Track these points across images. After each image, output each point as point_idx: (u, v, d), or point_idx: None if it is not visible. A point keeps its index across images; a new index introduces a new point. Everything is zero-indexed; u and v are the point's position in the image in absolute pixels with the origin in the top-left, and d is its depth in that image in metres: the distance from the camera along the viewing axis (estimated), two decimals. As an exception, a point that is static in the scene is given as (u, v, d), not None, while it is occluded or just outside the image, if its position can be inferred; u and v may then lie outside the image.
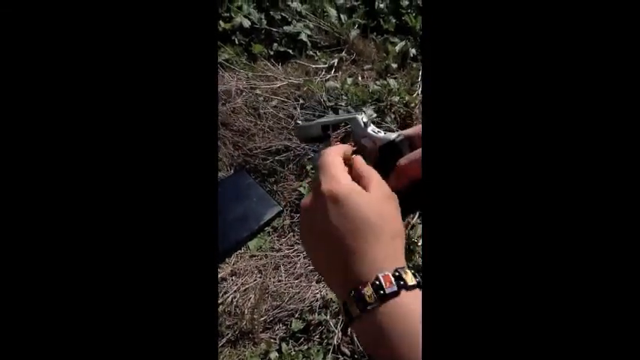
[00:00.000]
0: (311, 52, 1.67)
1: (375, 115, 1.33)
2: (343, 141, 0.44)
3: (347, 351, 1.04)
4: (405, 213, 0.33)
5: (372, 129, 0.37)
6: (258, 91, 1.49)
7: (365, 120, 0.38)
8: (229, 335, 1.05)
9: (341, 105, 1.44)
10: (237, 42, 1.63)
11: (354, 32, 1.69)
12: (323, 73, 1.60)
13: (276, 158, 1.35)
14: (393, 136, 0.36)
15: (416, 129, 0.37)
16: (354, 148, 0.37)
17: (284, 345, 1.04)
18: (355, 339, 1.05)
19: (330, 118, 0.40)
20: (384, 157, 0.36)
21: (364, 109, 1.37)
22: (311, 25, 1.68)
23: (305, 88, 1.50)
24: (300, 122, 0.42)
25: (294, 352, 1.03)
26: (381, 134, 0.37)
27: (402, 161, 0.34)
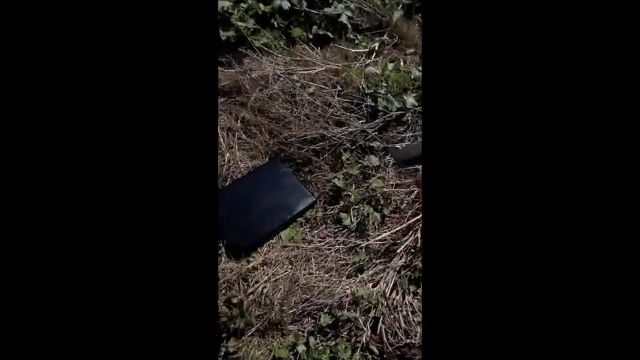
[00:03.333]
0: (351, 36, 1.60)
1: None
2: None
3: (376, 350, 1.02)
4: None
5: None
6: (295, 77, 1.45)
7: None
8: (258, 325, 1.05)
9: (380, 93, 1.37)
10: (276, 25, 1.59)
11: (398, 14, 1.60)
12: (363, 57, 1.53)
13: (312, 147, 1.32)
14: None
15: None
16: None
17: (312, 339, 1.03)
18: (384, 338, 1.03)
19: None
20: None
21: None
22: (352, 7, 1.60)
23: (344, 74, 1.44)
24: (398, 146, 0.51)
25: (321, 347, 1.02)
26: None
27: None
